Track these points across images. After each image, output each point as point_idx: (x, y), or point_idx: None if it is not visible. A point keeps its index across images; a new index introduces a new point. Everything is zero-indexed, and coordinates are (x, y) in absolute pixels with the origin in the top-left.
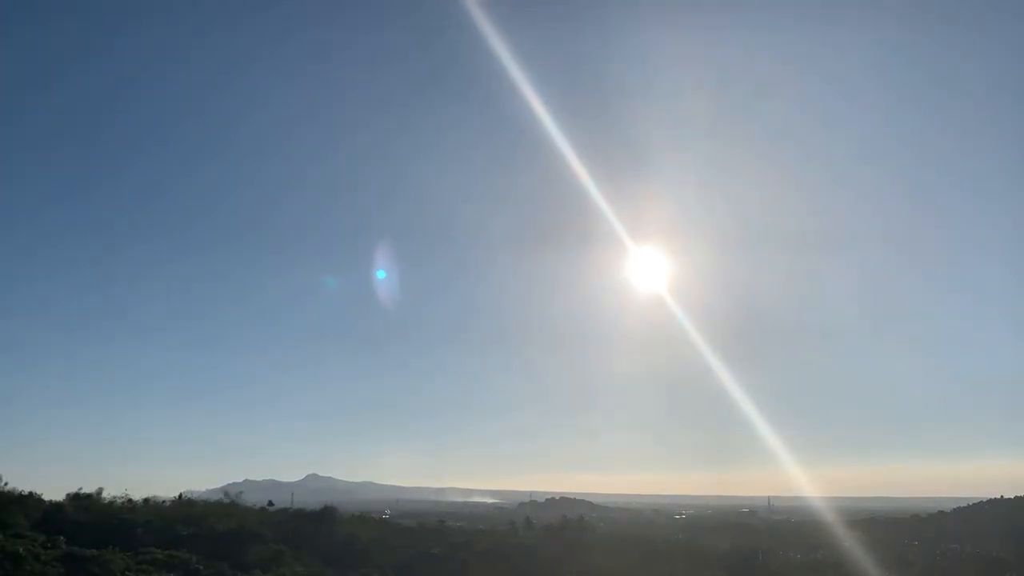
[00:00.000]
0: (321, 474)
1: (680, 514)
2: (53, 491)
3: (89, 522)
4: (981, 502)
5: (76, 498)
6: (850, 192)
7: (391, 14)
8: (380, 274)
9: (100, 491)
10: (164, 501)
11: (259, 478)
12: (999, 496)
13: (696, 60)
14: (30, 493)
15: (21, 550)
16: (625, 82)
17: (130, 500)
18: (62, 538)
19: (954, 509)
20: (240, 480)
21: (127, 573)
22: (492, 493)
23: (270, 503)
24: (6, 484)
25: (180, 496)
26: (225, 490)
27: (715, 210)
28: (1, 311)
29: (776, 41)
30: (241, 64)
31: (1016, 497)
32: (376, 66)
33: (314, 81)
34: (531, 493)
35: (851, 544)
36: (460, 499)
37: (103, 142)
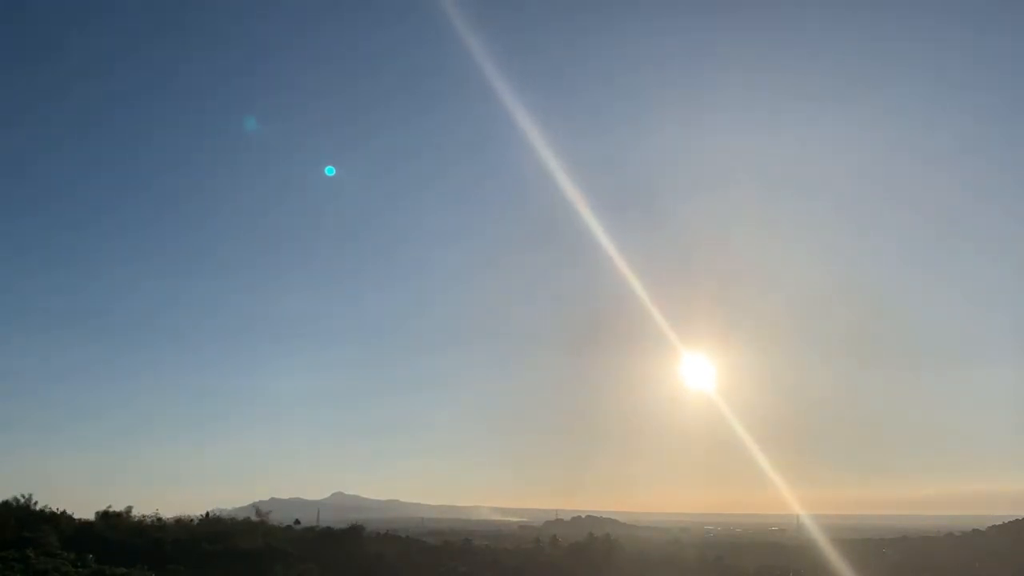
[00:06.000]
0: (347, 492)
1: (709, 528)
2: (83, 509)
3: (118, 540)
4: (1018, 520)
5: (106, 516)
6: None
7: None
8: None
9: (130, 509)
10: (192, 520)
11: (284, 496)
12: None
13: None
14: (61, 512)
15: (50, 568)
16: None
17: (159, 519)
18: (91, 556)
19: (989, 527)
20: (266, 498)
21: None
22: (518, 512)
23: (296, 521)
24: (37, 503)
25: (207, 514)
26: (256, 507)
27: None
28: (30, 327)
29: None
30: (236, 65)
31: None
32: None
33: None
34: (557, 512)
35: (888, 563)
36: (486, 517)
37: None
